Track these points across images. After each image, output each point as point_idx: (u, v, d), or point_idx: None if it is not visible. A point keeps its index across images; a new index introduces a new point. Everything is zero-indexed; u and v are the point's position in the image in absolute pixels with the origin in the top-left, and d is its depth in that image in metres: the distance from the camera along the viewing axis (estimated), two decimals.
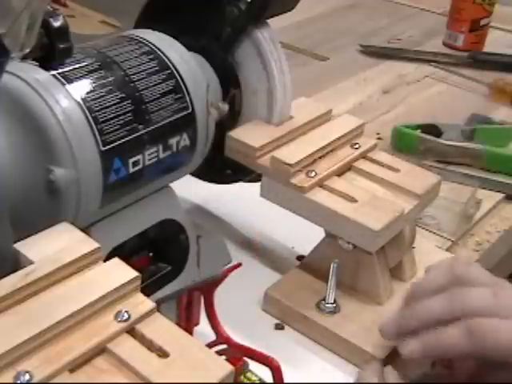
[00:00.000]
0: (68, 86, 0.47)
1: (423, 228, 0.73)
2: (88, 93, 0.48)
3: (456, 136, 0.86)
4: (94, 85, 0.48)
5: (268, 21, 0.61)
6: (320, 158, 0.60)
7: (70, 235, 0.45)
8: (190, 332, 0.49)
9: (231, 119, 0.62)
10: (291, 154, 0.58)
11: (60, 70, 0.47)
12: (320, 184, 0.58)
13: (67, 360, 0.37)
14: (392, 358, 0.54)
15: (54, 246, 0.43)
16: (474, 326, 0.46)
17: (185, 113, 0.54)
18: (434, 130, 0.87)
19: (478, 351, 0.46)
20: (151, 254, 0.56)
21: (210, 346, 0.48)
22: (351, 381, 0.54)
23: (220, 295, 0.49)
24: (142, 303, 0.42)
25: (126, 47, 0.53)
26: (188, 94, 0.54)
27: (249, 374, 0.50)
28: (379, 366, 0.52)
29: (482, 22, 1.21)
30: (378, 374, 0.51)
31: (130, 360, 0.38)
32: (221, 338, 0.50)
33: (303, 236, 0.64)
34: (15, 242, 0.43)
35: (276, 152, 0.58)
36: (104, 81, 0.49)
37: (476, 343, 0.45)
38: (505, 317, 0.46)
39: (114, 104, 0.49)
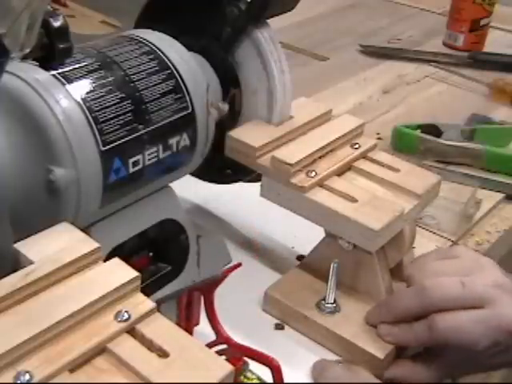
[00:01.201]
0: (68, 86, 0.47)
1: (423, 228, 0.73)
2: (88, 93, 0.48)
3: (456, 136, 0.86)
4: (93, 85, 0.48)
5: (268, 21, 0.61)
6: (320, 157, 0.60)
7: (70, 235, 0.45)
8: (190, 332, 0.49)
9: (231, 119, 0.62)
10: (291, 153, 0.58)
11: (60, 70, 0.47)
12: (320, 184, 0.57)
13: (67, 360, 0.37)
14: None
15: (54, 246, 0.43)
16: (430, 322, 0.51)
17: (185, 113, 0.54)
18: (433, 130, 0.87)
19: (431, 342, 0.52)
20: (151, 254, 0.56)
21: (210, 346, 0.48)
22: None
23: (220, 295, 0.49)
24: (142, 303, 0.42)
25: (126, 47, 0.53)
26: (188, 93, 0.54)
27: (249, 374, 0.50)
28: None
29: (482, 22, 1.22)
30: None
31: (130, 360, 0.38)
32: (221, 338, 0.50)
33: (303, 236, 0.64)
34: (15, 242, 0.43)
35: (276, 152, 0.58)
36: (104, 81, 0.49)
37: (431, 337, 0.52)
38: (470, 305, 0.51)
39: (114, 104, 0.49)
